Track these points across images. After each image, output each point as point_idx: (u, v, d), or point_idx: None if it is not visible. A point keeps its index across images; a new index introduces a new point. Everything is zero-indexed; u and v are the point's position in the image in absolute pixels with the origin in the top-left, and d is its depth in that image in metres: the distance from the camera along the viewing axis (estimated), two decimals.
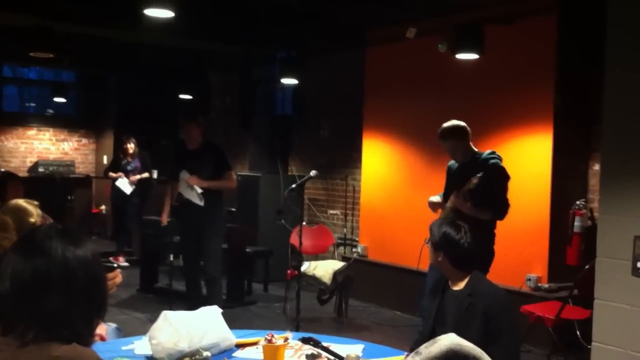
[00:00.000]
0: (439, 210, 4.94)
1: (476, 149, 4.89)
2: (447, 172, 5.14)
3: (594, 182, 6.03)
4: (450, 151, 4.89)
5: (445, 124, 4.89)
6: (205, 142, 6.25)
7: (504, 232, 5.10)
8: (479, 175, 4.50)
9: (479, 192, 4.53)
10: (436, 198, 4.99)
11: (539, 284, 5.98)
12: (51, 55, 7.05)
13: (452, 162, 5.07)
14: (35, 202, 3.87)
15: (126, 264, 9.00)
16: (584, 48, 6.03)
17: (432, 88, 7.12)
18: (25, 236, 1.62)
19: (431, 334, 2.96)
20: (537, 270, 6.07)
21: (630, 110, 3.73)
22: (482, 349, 1.54)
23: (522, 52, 6.27)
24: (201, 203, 6.04)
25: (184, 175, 6.08)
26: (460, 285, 3.14)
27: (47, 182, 8.65)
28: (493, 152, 4.82)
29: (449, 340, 1.52)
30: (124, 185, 9.13)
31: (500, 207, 4.70)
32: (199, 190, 6.03)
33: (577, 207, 5.99)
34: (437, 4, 6.42)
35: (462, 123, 4.87)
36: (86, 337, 1.55)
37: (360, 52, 8.03)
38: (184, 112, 6.94)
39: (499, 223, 4.80)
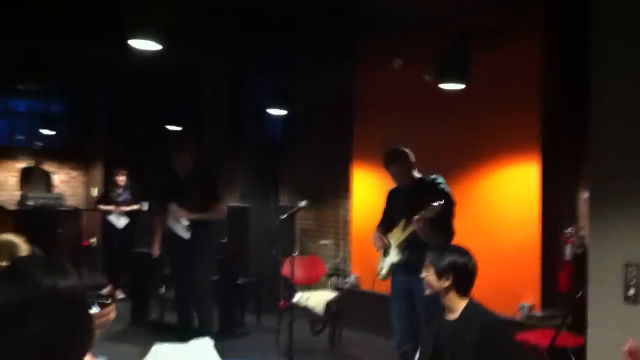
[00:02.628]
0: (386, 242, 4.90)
1: (419, 174, 4.86)
2: (388, 199, 5.10)
3: (583, 208, 6.06)
4: (399, 175, 4.86)
5: (389, 150, 4.90)
6: (196, 169, 6.25)
7: (495, 259, 5.11)
8: (436, 204, 4.39)
9: (437, 219, 4.47)
10: (375, 239, 4.95)
11: (532, 312, 5.97)
12: (39, 88, 7.07)
13: (394, 187, 5.04)
14: (23, 238, 3.83)
15: (122, 295, 8.94)
16: (570, 74, 6.10)
17: (420, 115, 7.17)
18: (10, 266, 1.62)
19: None
20: (529, 297, 6.06)
21: (618, 136, 3.77)
22: None
23: (508, 77, 6.33)
24: (187, 236, 6.02)
25: (172, 207, 6.07)
26: (455, 314, 3.13)
27: (36, 215, 8.60)
28: (438, 177, 4.81)
29: None
30: (117, 219, 9.11)
31: (449, 234, 4.63)
32: (185, 223, 6.01)
33: (567, 234, 6.00)
34: (423, 32, 6.49)
35: (404, 148, 4.88)
36: None
37: (349, 79, 8.09)
38: (174, 141, 6.96)
39: (489, 250, 4.80)
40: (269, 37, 7.23)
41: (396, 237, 4.77)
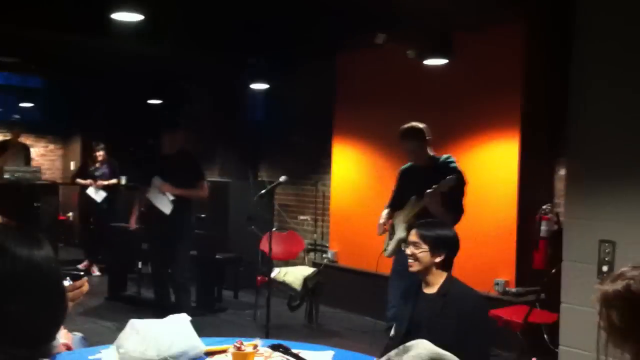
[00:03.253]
0: (386, 228, 4.94)
1: (433, 153, 4.90)
2: (400, 177, 5.11)
3: (560, 186, 6.11)
4: (412, 152, 4.87)
5: (406, 125, 4.90)
6: (180, 149, 6.21)
7: (472, 236, 5.13)
8: (451, 177, 4.51)
9: (447, 195, 4.55)
10: (383, 219, 4.97)
11: (507, 288, 6.04)
12: (17, 60, 6.96)
13: (406, 166, 5.07)
14: None
15: (98, 273, 8.90)
16: (551, 54, 6.12)
17: (402, 95, 7.16)
18: None
19: (403, 339, 2.97)
20: (504, 274, 6.12)
21: (595, 116, 3.79)
22: (454, 350, 1.55)
23: (490, 58, 6.34)
24: (168, 211, 5.99)
25: (156, 181, 6.03)
26: (434, 288, 3.14)
27: (12, 189, 8.49)
28: (450, 156, 4.86)
29: (427, 350, 1.51)
30: (95, 193, 9.03)
31: (459, 212, 4.70)
32: (170, 198, 5.99)
33: (543, 212, 6.06)
34: (407, 12, 6.45)
35: (421, 125, 4.89)
36: (49, 341, 1.51)
37: (331, 58, 8.05)
38: (158, 118, 6.93)
39: (466, 227, 4.82)
40: (251, 36, 7.22)
41: (405, 213, 4.80)
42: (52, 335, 1.52)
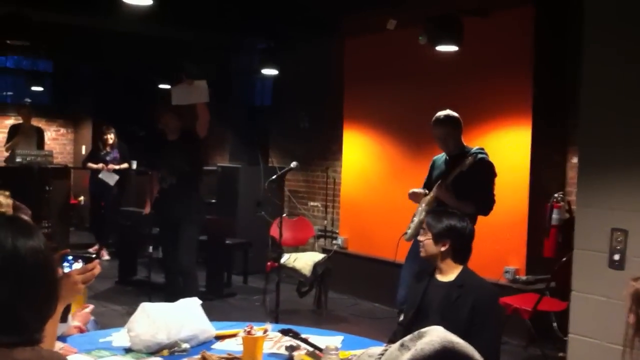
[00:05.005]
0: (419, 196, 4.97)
1: (465, 144, 4.91)
2: (431, 166, 5.13)
3: (571, 174, 6.08)
4: (443, 139, 4.87)
5: (441, 112, 4.91)
6: (184, 131, 6.19)
7: (482, 224, 5.09)
8: (470, 158, 4.52)
9: (465, 181, 4.54)
10: (419, 190, 4.99)
11: (517, 276, 6.03)
12: (27, 44, 6.96)
13: (437, 156, 5.08)
14: (7, 192, 3.78)
15: (108, 257, 8.92)
16: (562, 39, 6.07)
17: (412, 80, 7.13)
18: None
19: (411, 324, 2.97)
20: (514, 262, 6.11)
21: (607, 103, 3.76)
22: (465, 339, 1.54)
23: (500, 43, 6.29)
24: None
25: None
26: (449, 277, 3.13)
27: (24, 172, 8.52)
28: (482, 148, 4.85)
29: (439, 337, 1.49)
30: (108, 177, 9.04)
31: (486, 202, 4.71)
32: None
33: (555, 200, 6.03)
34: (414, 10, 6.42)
35: (456, 114, 4.89)
36: (37, 331, 1.50)
37: (339, 42, 8.01)
38: (162, 102, 6.90)
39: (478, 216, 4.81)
40: (257, 15, 7.19)
41: (427, 199, 4.81)
42: (39, 325, 1.51)
